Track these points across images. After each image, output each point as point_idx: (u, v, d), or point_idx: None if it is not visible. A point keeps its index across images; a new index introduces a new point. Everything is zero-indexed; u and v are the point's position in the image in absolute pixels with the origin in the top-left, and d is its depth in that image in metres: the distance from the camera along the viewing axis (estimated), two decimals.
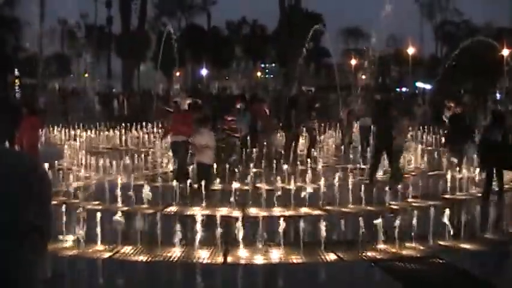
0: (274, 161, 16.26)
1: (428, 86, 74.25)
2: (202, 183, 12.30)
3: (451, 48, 67.54)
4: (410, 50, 73.54)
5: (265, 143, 17.70)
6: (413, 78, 78.00)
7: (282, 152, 18.39)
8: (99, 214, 9.02)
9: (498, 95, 43.33)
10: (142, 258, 8.53)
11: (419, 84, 79.35)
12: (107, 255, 8.64)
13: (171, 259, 8.51)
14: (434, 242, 9.31)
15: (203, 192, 12.09)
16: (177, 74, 77.07)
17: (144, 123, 25.65)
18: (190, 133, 13.75)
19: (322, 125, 24.05)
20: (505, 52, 51.67)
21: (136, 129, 24.81)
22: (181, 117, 14.92)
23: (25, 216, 1.50)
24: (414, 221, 9.26)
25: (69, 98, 41.10)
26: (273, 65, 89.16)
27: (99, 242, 8.89)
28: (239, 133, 16.68)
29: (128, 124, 25.34)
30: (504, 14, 77.09)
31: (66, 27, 77.78)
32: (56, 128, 25.44)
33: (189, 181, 12.83)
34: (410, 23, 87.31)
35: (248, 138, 17.91)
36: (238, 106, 18.08)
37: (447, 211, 9.46)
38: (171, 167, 15.96)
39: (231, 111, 17.16)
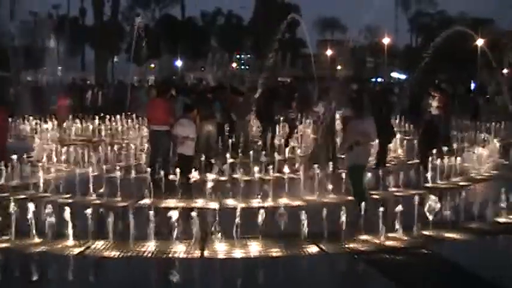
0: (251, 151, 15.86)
1: (403, 76, 74.62)
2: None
3: (426, 38, 67.83)
4: (386, 41, 73.69)
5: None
6: (388, 69, 78.34)
7: (260, 142, 18.15)
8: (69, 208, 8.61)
9: (473, 85, 43.34)
10: (114, 253, 8.12)
11: (394, 75, 79.74)
12: (77, 251, 8.22)
13: (145, 254, 8.12)
14: (418, 232, 9.06)
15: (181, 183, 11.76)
16: (152, 65, 76.45)
17: (118, 115, 25.00)
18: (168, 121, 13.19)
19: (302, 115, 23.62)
20: (480, 42, 51.91)
21: (110, 121, 24.22)
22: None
23: None
24: (397, 211, 8.93)
25: (40, 90, 40.26)
26: (249, 56, 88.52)
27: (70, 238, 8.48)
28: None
29: (102, 115, 24.80)
30: (478, 5, 77.67)
31: (38, 19, 76.51)
32: (26, 120, 24.64)
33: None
34: (386, 14, 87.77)
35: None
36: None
37: (429, 200, 9.24)
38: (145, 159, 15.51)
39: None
